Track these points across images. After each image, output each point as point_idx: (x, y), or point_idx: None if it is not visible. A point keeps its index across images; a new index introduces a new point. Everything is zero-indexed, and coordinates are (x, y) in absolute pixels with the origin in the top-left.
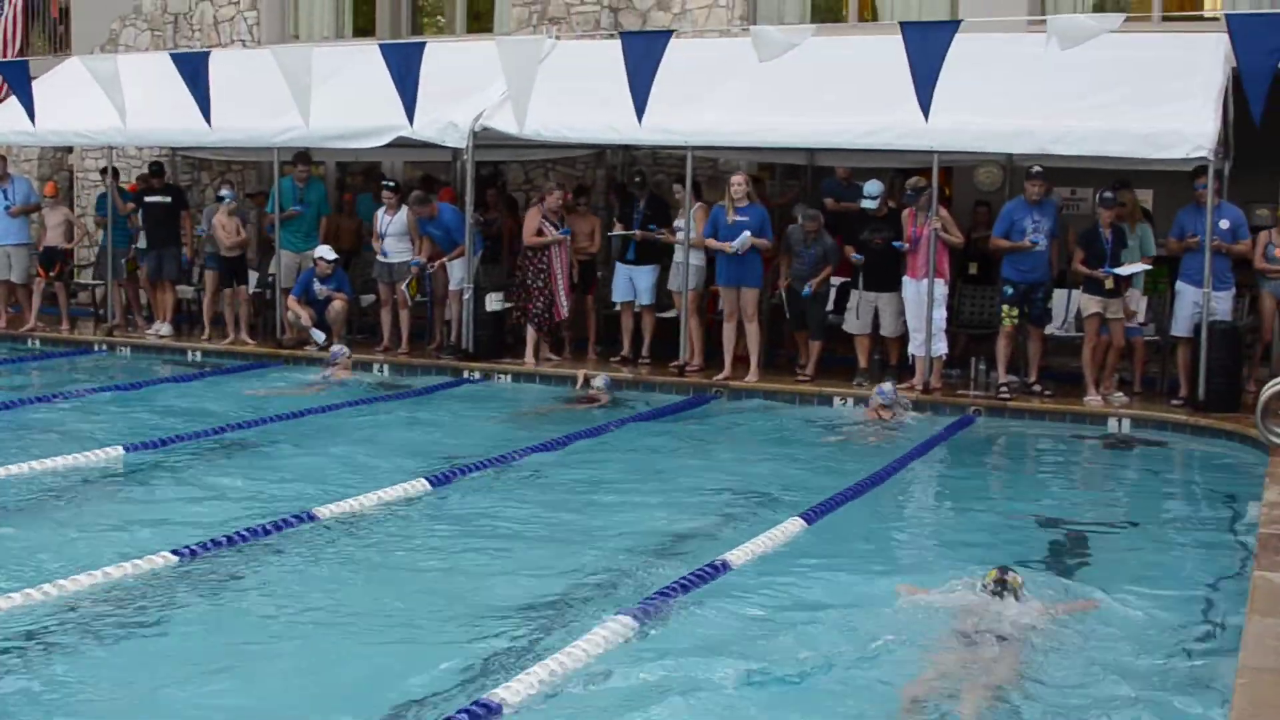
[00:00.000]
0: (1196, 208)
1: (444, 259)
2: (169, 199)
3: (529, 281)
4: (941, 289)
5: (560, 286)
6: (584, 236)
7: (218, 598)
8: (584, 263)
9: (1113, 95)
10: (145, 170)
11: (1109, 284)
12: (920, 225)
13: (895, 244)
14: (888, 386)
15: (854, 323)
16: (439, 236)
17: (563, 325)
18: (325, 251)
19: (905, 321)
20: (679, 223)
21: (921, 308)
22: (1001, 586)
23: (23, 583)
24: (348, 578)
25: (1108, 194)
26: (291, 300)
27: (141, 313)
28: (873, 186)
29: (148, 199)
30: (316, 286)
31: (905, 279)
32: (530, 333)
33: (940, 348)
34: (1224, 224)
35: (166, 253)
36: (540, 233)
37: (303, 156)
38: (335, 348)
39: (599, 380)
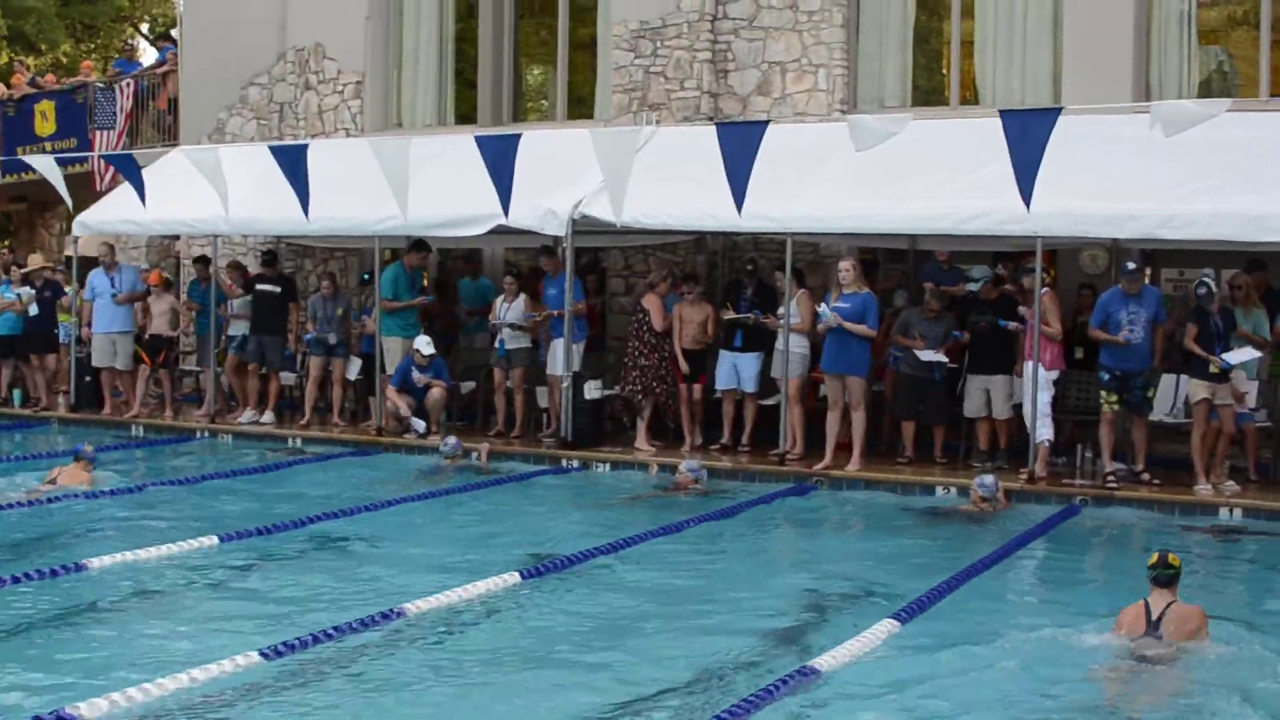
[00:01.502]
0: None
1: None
2: (279, 289)
3: (642, 362)
4: (1045, 374)
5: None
6: (697, 326)
7: (305, 695)
8: (699, 352)
9: (1220, 177)
10: (256, 258)
11: (1214, 368)
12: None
13: (1001, 322)
14: (989, 479)
15: (969, 406)
16: (555, 296)
17: (667, 409)
18: (423, 345)
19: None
20: (782, 309)
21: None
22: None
23: (110, 683)
24: (430, 677)
25: (1200, 290)
26: (391, 390)
27: (237, 400)
28: (978, 271)
29: (259, 286)
30: (415, 375)
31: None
32: (642, 420)
33: (1045, 433)
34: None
35: (271, 341)
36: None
37: (419, 244)
38: (449, 440)
39: (685, 465)
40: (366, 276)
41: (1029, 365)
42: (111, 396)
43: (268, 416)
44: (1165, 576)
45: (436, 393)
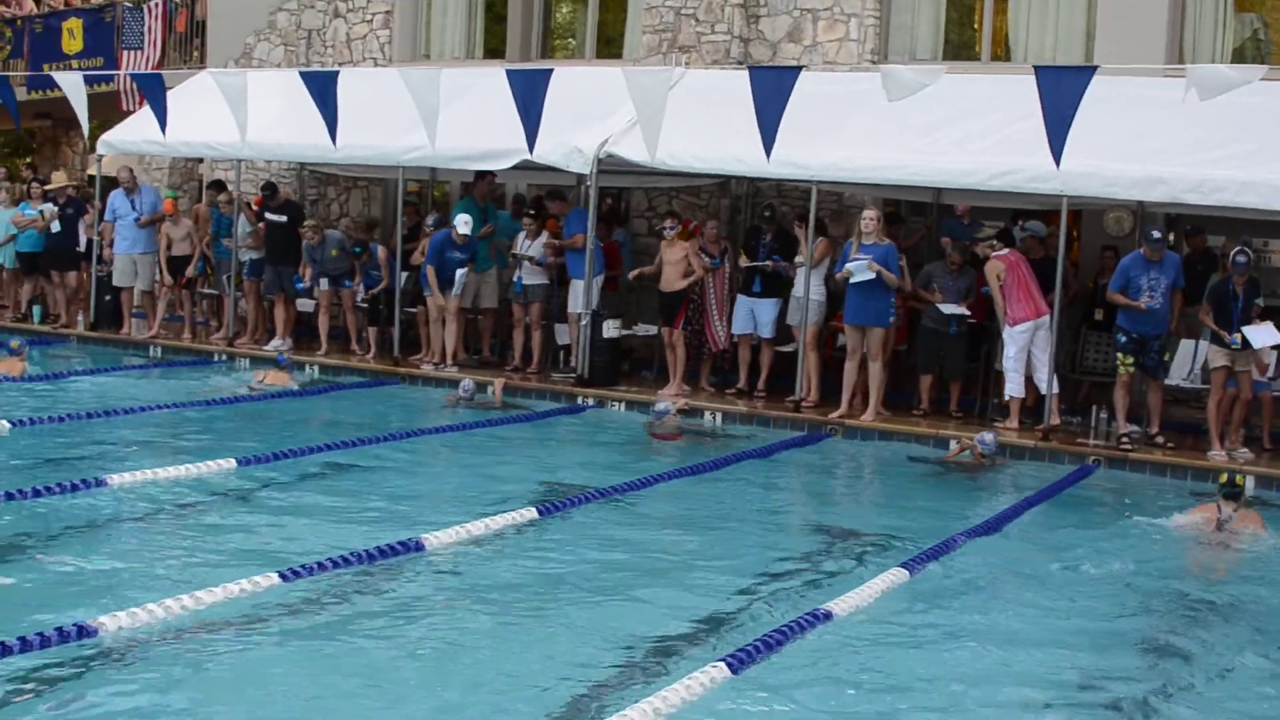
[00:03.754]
0: None
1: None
2: (285, 218)
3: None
4: (1013, 328)
5: (714, 317)
6: (674, 267)
7: (318, 624)
8: (678, 293)
9: (1250, 144)
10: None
11: (1236, 339)
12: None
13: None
14: (989, 436)
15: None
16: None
17: (724, 355)
18: (461, 224)
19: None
20: (800, 258)
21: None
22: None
23: (127, 600)
24: (446, 607)
25: (1240, 258)
26: (428, 270)
27: (262, 328)
28: (1034, 225)
29: (267, 217)
30: (449, 254)
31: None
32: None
33: (1012, 389)
34: None
35: (285, 270)
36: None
37: (483, 175)
38: (465, 384)
39: (661, 406)
40: (430, 224)
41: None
42: (131, 316)
43: (286, 343)
44: (1233, 492)
45: (467, 271)
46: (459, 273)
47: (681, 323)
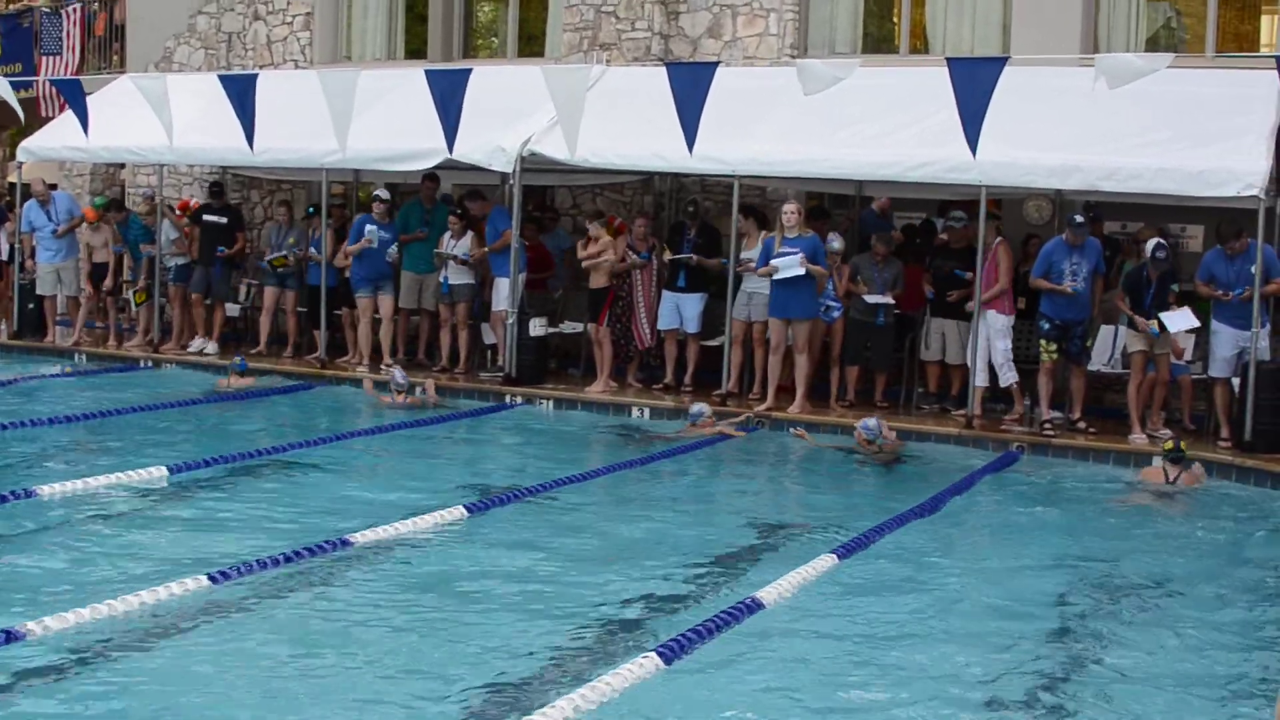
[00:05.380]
0: (1224, 253)
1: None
2: (225, 219)
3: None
4: (1001, 320)
5: (641, 314)
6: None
7: (249, 624)
8: (600, 290)
9: (1164, 132)
10: (202, 188)
11: (1154, 327)
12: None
13: (958, 273)
14: (872, 421)
15: (927, 350)
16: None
17: (649, 352)
18: (383, 193)
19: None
20: (748, 254)
21: (988, 340)
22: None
23: (58, 606)
24: (375, 604)
25: (1160, 254)
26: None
27: (187, 332)
28: (956, 216)
29: (206, 217)
30: (368, 229)
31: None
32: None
33: (1011, 376)
34: (1254, 268)
35: (217, 271)
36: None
37: (433, 177)
38: (397, 374)
39: (695, 409)
40: (312, 210)
41: (982, 315)
42: (55, 324)
43: (211, 346)
44: (1177, 456)
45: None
46: (368, 228)
47: (606, 319)
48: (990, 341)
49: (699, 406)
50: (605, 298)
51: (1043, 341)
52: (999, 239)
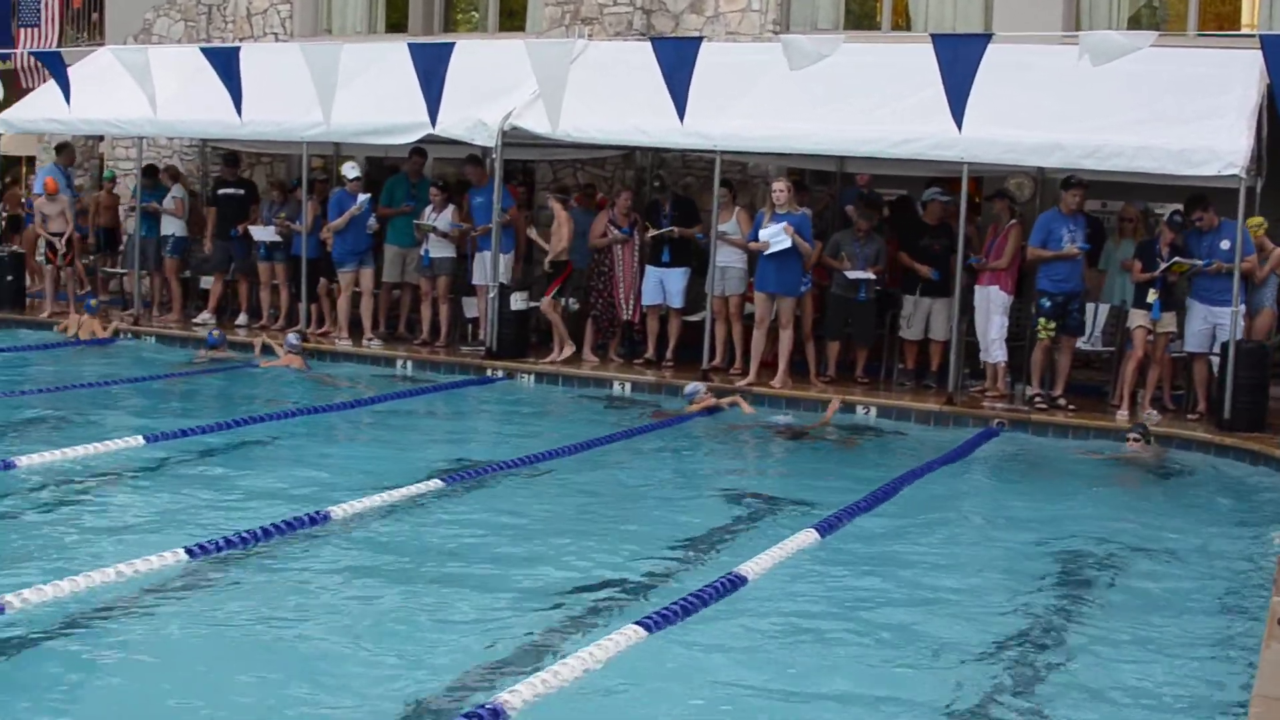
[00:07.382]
0: (1197, 231)
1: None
2: (243, 191)
3: (591, 282)
4: (1002, 298)
5: (623, 289)
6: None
7: (226, 597)
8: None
9: (1146, 111)
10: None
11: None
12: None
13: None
14: (697, 384)
15: (909, 328)
16: (481, 205)
17: (632, 326)
18: (348, 169)
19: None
20: (724, 226)
21: (986, 315)
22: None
23: (33, 577)
24: (353, 577)
25: (1177, 217)
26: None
27: (174, 303)
28: (929, 192)
29: (222, 191)
30: (361, 197)
31: (976, 288)
32: (589, 331)
33: (999, 355)
34: (1225, 244)
35: (238, 249)
36: (604, 234)
37: (420, 151)
38: (291, 337)
39: (690, 387)
40: (296, 183)
41: (982, 290)
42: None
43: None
44: (1142, 432)
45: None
46: (360, 197)
47: (554, 292)
48: (989, 316)
49: (694, 385)
50: (560, 271)
51: (1041, 320)
52: (1013, 220)
